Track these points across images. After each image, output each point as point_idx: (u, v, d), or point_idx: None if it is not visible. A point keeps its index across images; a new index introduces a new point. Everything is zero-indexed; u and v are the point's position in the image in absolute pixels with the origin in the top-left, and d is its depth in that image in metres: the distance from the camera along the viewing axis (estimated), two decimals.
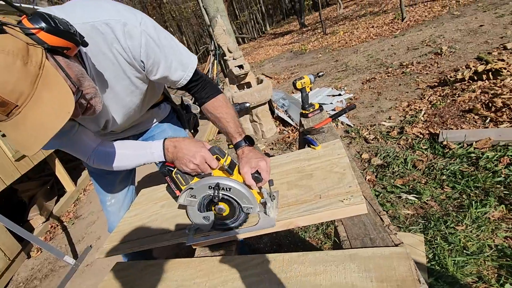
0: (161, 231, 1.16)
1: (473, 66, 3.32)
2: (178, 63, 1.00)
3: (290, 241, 1.99)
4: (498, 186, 1.82)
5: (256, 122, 3.74)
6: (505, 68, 2.93)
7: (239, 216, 0.95)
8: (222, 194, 0.89)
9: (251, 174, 0.95)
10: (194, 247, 1.04)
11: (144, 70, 0.97)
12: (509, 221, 1.61)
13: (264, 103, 3.69)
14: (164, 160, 1.03)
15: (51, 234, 3.32)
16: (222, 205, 0.92)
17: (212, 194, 0.88)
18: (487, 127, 2.34)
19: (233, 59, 3.69)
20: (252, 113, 3.70)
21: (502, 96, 2.55)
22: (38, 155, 3.50)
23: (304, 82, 1.86)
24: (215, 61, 6.83)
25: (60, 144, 1.03)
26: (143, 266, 1.07)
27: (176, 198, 1.15)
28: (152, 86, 1.15)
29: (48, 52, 0.67)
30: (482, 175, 1.93)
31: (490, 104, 2.53)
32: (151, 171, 3.67)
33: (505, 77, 2.91)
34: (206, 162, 0.95)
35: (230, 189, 0.88)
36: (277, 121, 4.01)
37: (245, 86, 3.93)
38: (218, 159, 0.95)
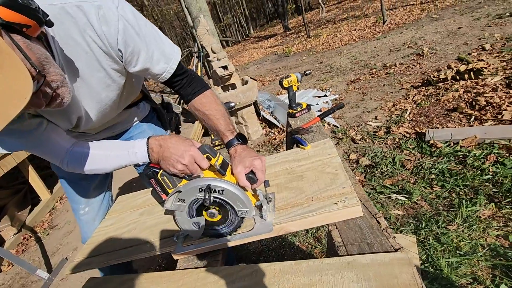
0: (140, 241, 1.06)
1: (455, 67, 3.37)
2: (161, 53, 0.92)
3: (279, 246, 1.91)
4: (487, 184, 1.81)
5: (242, 124, 3.65)
6: (485, 68, 2.99)
7: (232, 221, 0.88)
8: (214, 197, 0.81)
9: (245, 174, 0.89)
10: (182, 256, 0.95)
11: (122, 61, 0.88)
12: (499, 219, 1.60)
13: (250, 105, 3.62)
14: (148, 161, 0.93)
15: (24, 246, 3.10)
16: (213, 209, 0.85)
17: (202, 198, 0.80)
18: (472, 126, 2.35)
19: (217, 59, 3.60)
20: (237, 115, 3.61)
21: (485, 95, 2.58)
22: (9, 161, 3.27)
23: (291, 81, 1.80)
24: (199, 63, 6.72)
25: (26, 144, 0.90)
26: (119, 282, 0.96)
27: (162, 203, 1.06)
28: (130, 81, 1.04)
29: (3, 29, 0.57)
30: (470, 173, 1.92)
31: (474, 103, 2.55)
32: (133, 177, 3.51)
33: (486, 76, 2.96)
34: (195, 162, 0.86)
35: (222, 191, 0.80)
36: (263, 123, 3.95)
37: (230, 88, 3.84)
38: (209, 159, 0.87)
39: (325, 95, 4.26)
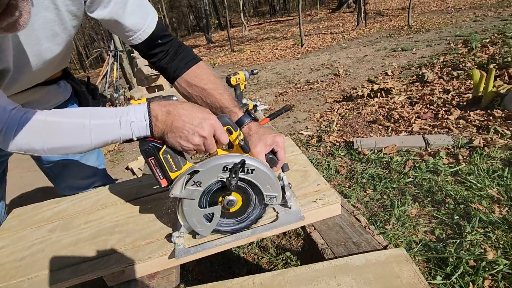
0: (53, 267, 0.75)
1: (367, 87, 3.82)
2: (136, 5, 0.75)
3: (222, 261, 1.71)
4: (410, 185, 2.01)
5: None
6: (393, 88, 3.45)
7: (253, 211, 0.74)
8: (241, 179, 0.67)
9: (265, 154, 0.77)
10: (186, 260, 0.74)
11: (85, 0, 0.70)
12: (425, 217, 1.76)
13: None
14: (147, 134, 0.66)
15: None
16: (234, 195, 0.70)
17: (226, 179, 0.65)
18: (390, 135, 2.64)
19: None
20: None
21: (396, 110, 2.96)
22: None
23: (238, 78, 1.69)
24: (115, 63, 6.02)
25: None
26: None
27: (162, 187, 0.75)
28: (71, 43, 0.80)
29: None
30: (395, 176, 2.11)
31: (389, 116, 2.89)
32: (24, 191, 2.78)
33: (394, 95, 3.43)
34: (214, 136, 0.66)
35: (252, 170, 0.66)
36: None
37: (156, 89, 3.49)
38: (229, 132, 0.71)
39: (255, 105, 4.28)
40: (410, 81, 3.92)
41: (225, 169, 0.64)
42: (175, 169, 0.68)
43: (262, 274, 0.70)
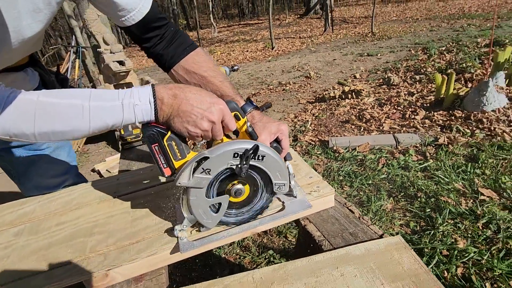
0: (23, 274, 0.66)
1: (338, 88, 3.94)
2: None
3: (204, 263, 1.64)
4: (384, 182, 2.09)
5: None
6: (363, 90, 3.59)
7: (259, 200, 0.72)
8: (251, 165, 0.64)
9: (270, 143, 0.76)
10: (192, 254, 0.69)
11: None
12: (399, 211, 1.84)
13: None
14: (152, 119, 0.61)
15: None
16: (240, 184, 0.67)
17: (236, 167, 0.62)
18: (363, 134, 2.73)
19: (111, 53, 3.06)
20: None
21: (367, 111, 3.07)
22: None
23: None
24: (77, 60, 5.65)
25: None
26: None
27: (166, 176, 0.67)
28: (50, 22, 0.71)
29: None
30: (370, 173, 2.17)
31: (361, 117, 2.99)
32: None
33: (363, 97, 3.56)
34: (222, 122, 0.64)
35: (263, 157, 0.64)
36: None
37: (125, 87, 3.31)
38: (237, 119, 0.68)
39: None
40: (378, 84, 4.11)
41: (235, 155, 0.61)
42: (179, 157, 0.64)
43: (261, 269, 0.67)
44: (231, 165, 0.62)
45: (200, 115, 0.59)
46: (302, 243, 0.89)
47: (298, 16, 17.44)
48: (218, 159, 0.60)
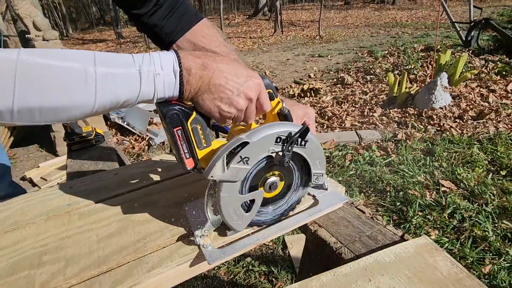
0: None
1: (295, 87, 3.96)
2: None
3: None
4: (354, 178, 2.09)
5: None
6: (321, 89, 3.65)
7: (292, 194, 0.64)
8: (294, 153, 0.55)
9: None
10: (219, 263, 0.58)
11: None
12: (371, 206, 1.84)
13: None
14: (175, 94, 0.47)
15: None
16: (276, 176, 0.58)
17: (276, 155, 0.54)
18: (326, 132, 2.74)
19: (44, 40, 2.60)
20: None
21: (328, 108, 3.11)
22: None
23: None
24: None
25: None
26: None
27: (188, 169, 0.53)
28: None
29: None
30: (338, 170, 2.17)
31: (323, 114, 3.01)
32: None
33: (322, 95, 3.62)
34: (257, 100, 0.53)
35: (306, 143, 0.55)
36: (112, 129, 3.17)
37: None
38: (271, 98, 0.57)
39: None
40: (333, 83, 4.23)
41: (278, 140, 0.51)
42: (204, 145, 0.51)
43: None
44: (272, 152, 0.52)
45: (237, 91, 0.48)
46: (313, 251, 0.77)
47: (247, 16, 17.52)
48: (258, 145, 0.49)
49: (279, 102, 0.59)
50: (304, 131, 0.51)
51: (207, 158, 0.51)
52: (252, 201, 0.56)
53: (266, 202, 0.60)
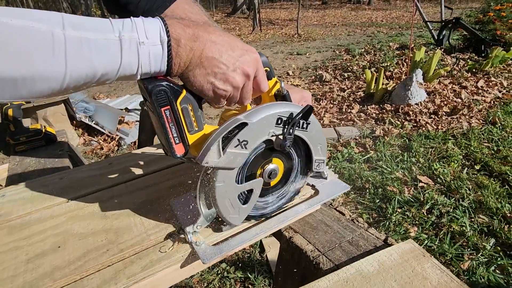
0: None
1: None
2: None
3: None
4: None
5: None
6: (299, 86, 3.60)
7: (292, 183, 0.59)
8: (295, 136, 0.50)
9: None
10: (214, 261, 0.52)
11: None
12: (351, 204, 1.80)
13: (58, 103, 2.60)
14: (162, 69, 0.39)
15: None
16: (276, 163, 0.53)
17: (276, 138, 0.48)
18: None
19: None
20: (37, 115, 2.49)
21: None
22: None
23: None
24: None
25: None
26: None
27: (177, 156, 0.45)
28: None
29: None
30: None
31: None
32: None
33: None
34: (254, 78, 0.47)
35: (308, 125, 0.50)
36: (79, 129, 2.96)
37: None
38: (268, 78, 0.52)
39: None
40: (311, 81, 4.20)
41: (279, 121, 0.46)
42: (196, 129, 0.45)
43: None
44: (272, 135, 0.47)
45: (232, 65, 0.42)
46: (288, 260, 0.69)
47: (226, 14, 17.33)
48: (257, 127, 0.44)
49: (276, 82, 0.53)
50: (307, 111, 0.46)
51: (198, 144, 0.44)
52: (250, 191, 0.50)
53: (265, 192, 0.55)
